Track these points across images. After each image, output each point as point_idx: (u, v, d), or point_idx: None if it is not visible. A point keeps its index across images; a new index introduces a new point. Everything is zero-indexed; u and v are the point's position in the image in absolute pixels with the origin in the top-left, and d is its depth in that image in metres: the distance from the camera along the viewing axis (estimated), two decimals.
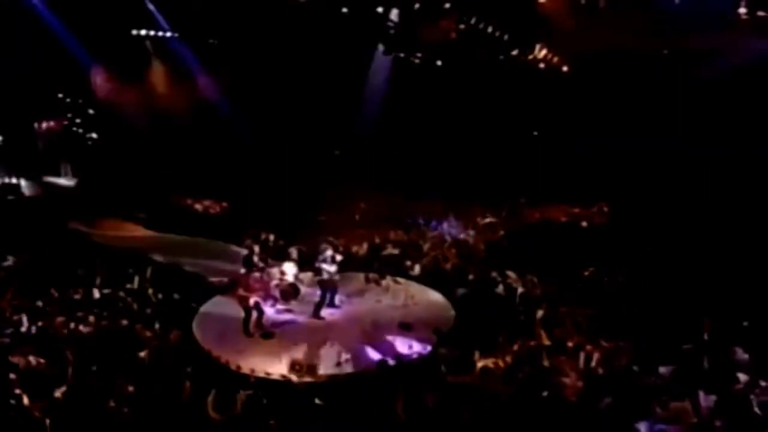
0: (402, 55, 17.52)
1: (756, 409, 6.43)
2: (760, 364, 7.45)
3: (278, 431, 6.44)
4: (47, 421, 6.17)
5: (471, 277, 12.53)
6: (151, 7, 15.27)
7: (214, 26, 16.08)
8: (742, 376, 7.13)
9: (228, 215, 16.96)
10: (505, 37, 14.90)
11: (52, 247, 12.59)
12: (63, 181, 18.43)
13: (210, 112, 18.44)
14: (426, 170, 18.05)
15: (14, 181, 17.12)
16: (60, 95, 18.45)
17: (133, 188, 17.27)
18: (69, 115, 18.84)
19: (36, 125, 18.26)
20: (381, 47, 17.89)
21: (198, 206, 17.28)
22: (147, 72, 18.24)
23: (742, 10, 13.18)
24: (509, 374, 7.45)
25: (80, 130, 19.21)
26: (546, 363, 7.74)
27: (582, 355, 7.77)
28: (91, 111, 19.24)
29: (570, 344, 8.25)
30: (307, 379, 8.25)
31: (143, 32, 17.25)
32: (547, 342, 8.42)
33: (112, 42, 16.50)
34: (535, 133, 19.81)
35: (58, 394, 6.54)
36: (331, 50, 17.34)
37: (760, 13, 13.14)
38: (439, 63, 18.00)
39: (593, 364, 7.64)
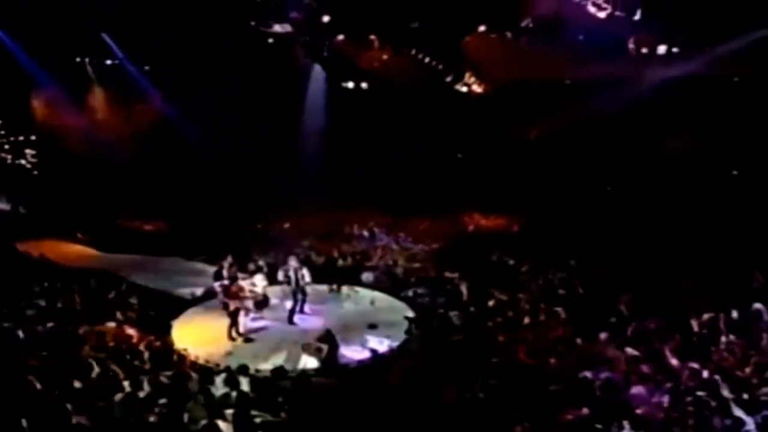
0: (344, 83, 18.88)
1: (668, 357, 8.25)
2: (667, 326, 9.40)
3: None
4: (68, 406, 6.59)
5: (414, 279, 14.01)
6: (102, 33, 15.33)
7: (162, 52, 16.36)
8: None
9: (177, 234, 17.26)
10: (440, 66, 16.72)
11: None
12: None
13: (153, 135, 18.68)
14: (365, 185, 19.34)
15: None
16: None
17: (74, 211, 17.06)
18: None
19: None
20: (316, 71, 19.10)
21: (147, 227, 17.39)
22: (88, 97, 18.21)
23: (631, 45, 15.82)
24: (475, 346, 8.83)
25: (10, 156, 18.68)
26: (501, 338, 9.24)
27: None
28: (21, 137, 18.85)
29: (522, 322, 9.84)
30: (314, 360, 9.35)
31: (86, 59, 17.32)
32: (499, 320, 9.98)
33: (53, 67, 16.40)
34: (459, 155, 21.89)
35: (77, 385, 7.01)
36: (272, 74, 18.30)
37: (644, 50, 15.88)
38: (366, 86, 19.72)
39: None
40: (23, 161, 18.75)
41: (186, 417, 6.59)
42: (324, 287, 13.73)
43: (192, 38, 14.43)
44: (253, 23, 13.56)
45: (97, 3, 14.16)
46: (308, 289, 12.30)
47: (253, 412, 6.51)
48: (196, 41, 14.68)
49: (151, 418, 6.50)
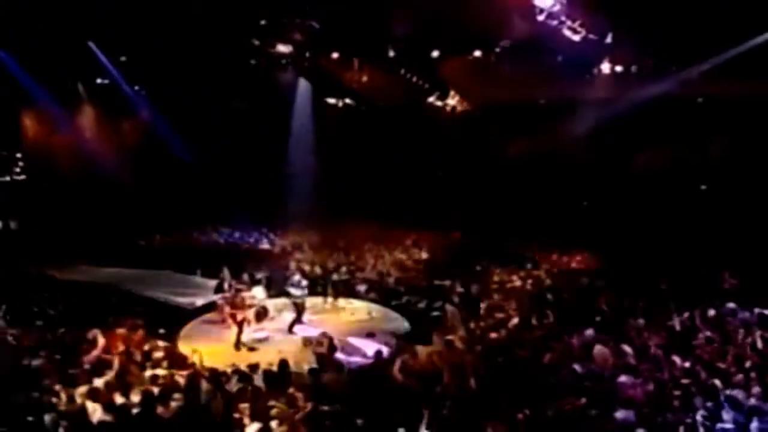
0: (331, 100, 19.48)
1: (653, 350, 8.89)
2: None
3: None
4: (89, 405, 6.86)
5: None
6: (97, 52, 15.52)
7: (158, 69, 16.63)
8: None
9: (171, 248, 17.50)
10: (426, 85, 17.49)
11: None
12: None
13: (142, 152, 18.97)
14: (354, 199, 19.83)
15: None
16: None
17: (67, 227, 17.16)
18: None
19: None
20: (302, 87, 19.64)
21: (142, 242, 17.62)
22: (79, 115, 18.46)
23: (605, 66, 16.75)
24: (470, 344, 9.40)
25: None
26: (494, 336, 9.84)
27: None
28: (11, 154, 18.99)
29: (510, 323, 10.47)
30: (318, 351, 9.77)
31: (79, 77, 17.59)
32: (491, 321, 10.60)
33: (44, 85, 16.56)
34: (439, 173, 22.61)
35: (99, 383, 7.30)
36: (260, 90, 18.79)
37: (618, 69, 16.83)
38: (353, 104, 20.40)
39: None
40: (13, 177, 18.79)
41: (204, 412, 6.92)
42: (320, 299, 14.15)
43: (189, 53, 14.77)
44: (257, 42, 14.08)
45: (92, 20, 14.29)
46: (306, 300, 12.74)
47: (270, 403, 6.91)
48: (194, 56, 15.01)
49: (169, 414, 6.80)
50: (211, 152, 18.55)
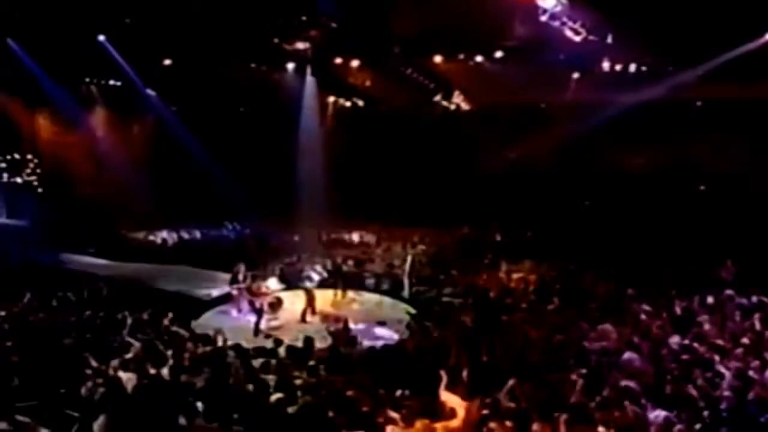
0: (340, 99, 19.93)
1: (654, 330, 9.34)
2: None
3: None
4: (123, 376, 7.27)
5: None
6: (113, 53, 15.93)
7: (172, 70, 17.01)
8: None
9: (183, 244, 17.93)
10: (432, 85, 17.96)
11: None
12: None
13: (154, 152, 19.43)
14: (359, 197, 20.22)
15: None
16: None
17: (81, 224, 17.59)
18: None
19: None
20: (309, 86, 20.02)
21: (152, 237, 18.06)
22: (91, 117, 18.95)
23: (605, 65, 17.12)
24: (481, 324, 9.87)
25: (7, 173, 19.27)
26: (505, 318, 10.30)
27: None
28: (17, 155, 19.46)
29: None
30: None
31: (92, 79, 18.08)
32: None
33: (59, 85, 16.94)
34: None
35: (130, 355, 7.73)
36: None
37: (617, 68, 17.21)
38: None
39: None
40: (30, 178, 19.26)
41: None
42: (331, 291, 14.54)
43: (200, 54, 15.14)
44: (276, 40, 14.53)
45: (107, 21, 14.61)
46: (317, 291, 13.16)
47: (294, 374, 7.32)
48: (204, 57, 15.38)
49: (199, 383, 7.19)
50: (222, 151, 18.96)
